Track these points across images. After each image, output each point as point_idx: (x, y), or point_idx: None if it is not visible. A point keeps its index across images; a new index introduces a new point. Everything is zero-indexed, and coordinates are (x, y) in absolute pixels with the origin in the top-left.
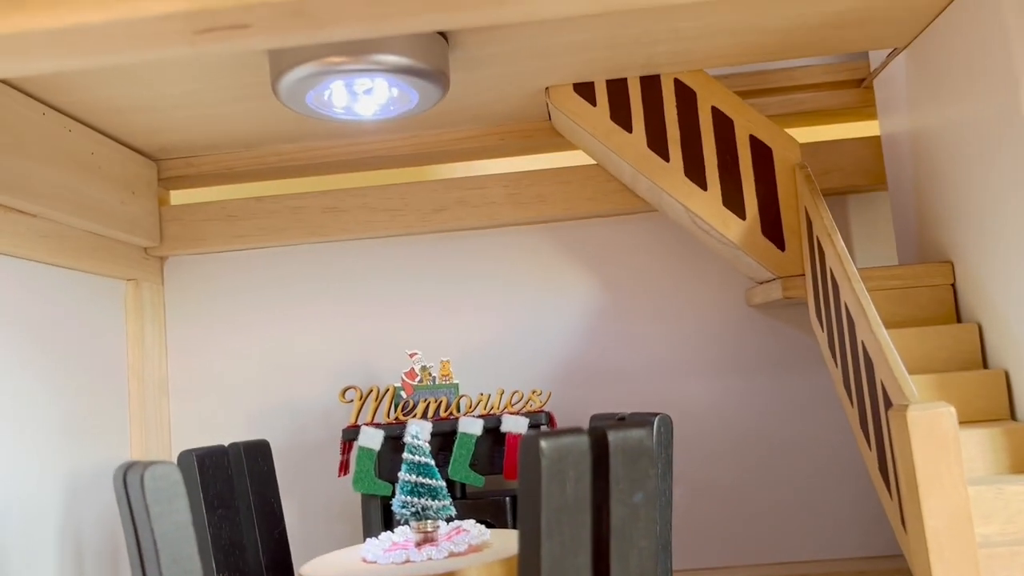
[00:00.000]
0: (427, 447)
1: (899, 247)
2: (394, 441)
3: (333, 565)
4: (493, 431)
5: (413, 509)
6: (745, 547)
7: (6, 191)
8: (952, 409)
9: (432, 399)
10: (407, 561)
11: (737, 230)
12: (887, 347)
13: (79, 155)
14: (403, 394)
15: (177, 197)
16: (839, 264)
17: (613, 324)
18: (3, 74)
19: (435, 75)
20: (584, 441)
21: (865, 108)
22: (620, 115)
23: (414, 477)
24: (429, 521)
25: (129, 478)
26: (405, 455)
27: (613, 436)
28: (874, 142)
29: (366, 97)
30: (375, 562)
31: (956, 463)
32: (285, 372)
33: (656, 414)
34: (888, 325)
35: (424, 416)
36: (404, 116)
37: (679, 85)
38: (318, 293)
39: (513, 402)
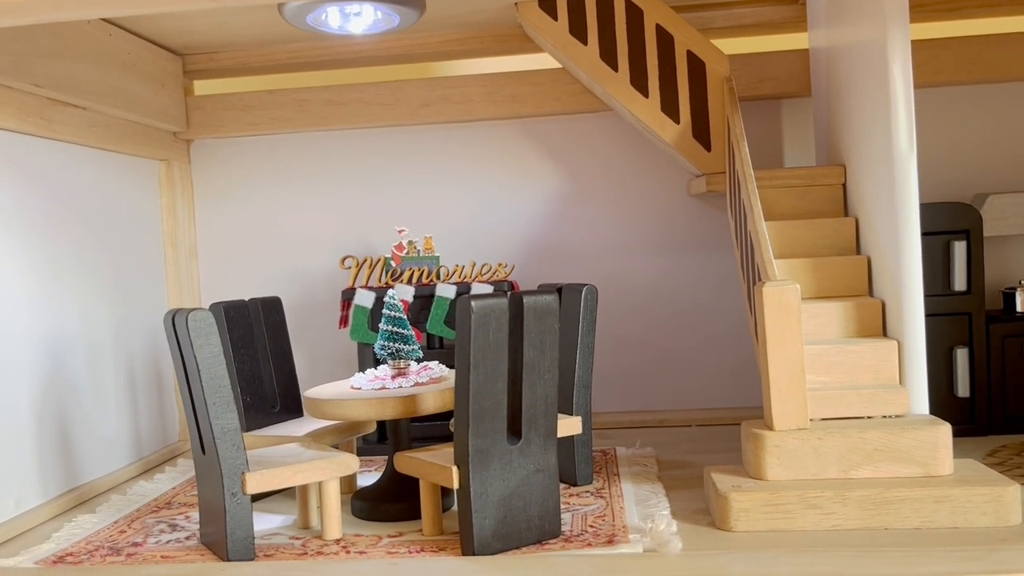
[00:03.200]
0: (400, 305)
1: (817, 149)
2: (383, 302)
3: (329, 390)
4: (464, 295)
5: (389, 351)
6: (663, 395)
7: (61, 89)
8: (796, 286)
9: (416, 268)
10: (383, 388)
11: (672, 132)
12: (763, 237)
13: (119, 55)
14: (393, 263)
15: (201, 87)
16: (742, 166)
17: (574, 209)
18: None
19: (411, 1)
20: (504, 303)
21: (800, 22)
22: (577, 29)
23: (390, 327)
24: (402, 360)
25: (177, 320)
26: (384, 311)
27: (527, 300)
28: (804, 54)
29: (356, 18)
30: (360, 388)
31: (796, 327)
32: (295, 241)
33: (585, 285)
34: (788, 217)
35: (409, 282)
36: (389, 32)
37: (629, 4)
38: (322, 175)
39: (483, 272)
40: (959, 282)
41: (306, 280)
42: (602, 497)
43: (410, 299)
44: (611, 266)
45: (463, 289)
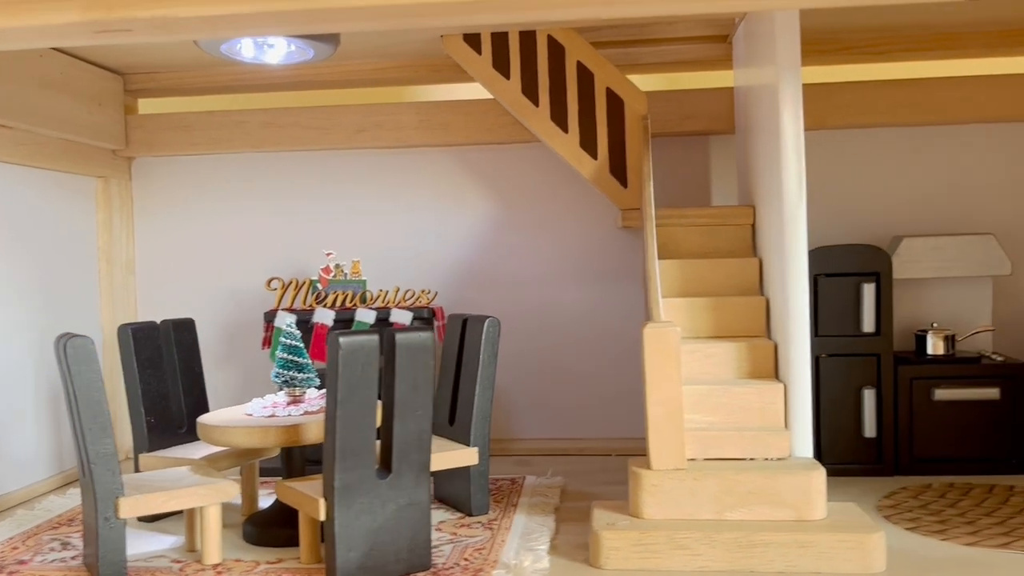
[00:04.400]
0: (297, 333)
1: (739, 188)
2: (304, 324)
3: (221, 416)
4: (384, 321)
5: (284, 379)
6: (589, 423)
7: None
8: (677, 328)
9: (342, 292)
10: (273, 416)
11: (590, 168)
12: (652, 276)
13: (50, 75)
14: (319, 286)
15: (146, 106)
16: (644, 206)
17: (505, 237)
18: None
19: (325, 37)
20: (373, 340)
21: (727, 61)
22: (500, 64)
23: (286, 355)
24: (297, 388)
25: (57, 346)
26: (281, 338)
27: (399, 337)
28: (731, 92)
29: (270, 49)
30: (251, 415)
31: (675, 368)
32: (231, 260)
33: (488, 317)
34: (697, 255)
35: (332, 305)
36: (307, 64)
37: (551, 40)
38: (259, 196)
39: (406, 298)
40: (868, 324)
41: (241, 299)
42: (490, 529)
43: (330, 323)
44: (542, 295)
45: (383, 315)
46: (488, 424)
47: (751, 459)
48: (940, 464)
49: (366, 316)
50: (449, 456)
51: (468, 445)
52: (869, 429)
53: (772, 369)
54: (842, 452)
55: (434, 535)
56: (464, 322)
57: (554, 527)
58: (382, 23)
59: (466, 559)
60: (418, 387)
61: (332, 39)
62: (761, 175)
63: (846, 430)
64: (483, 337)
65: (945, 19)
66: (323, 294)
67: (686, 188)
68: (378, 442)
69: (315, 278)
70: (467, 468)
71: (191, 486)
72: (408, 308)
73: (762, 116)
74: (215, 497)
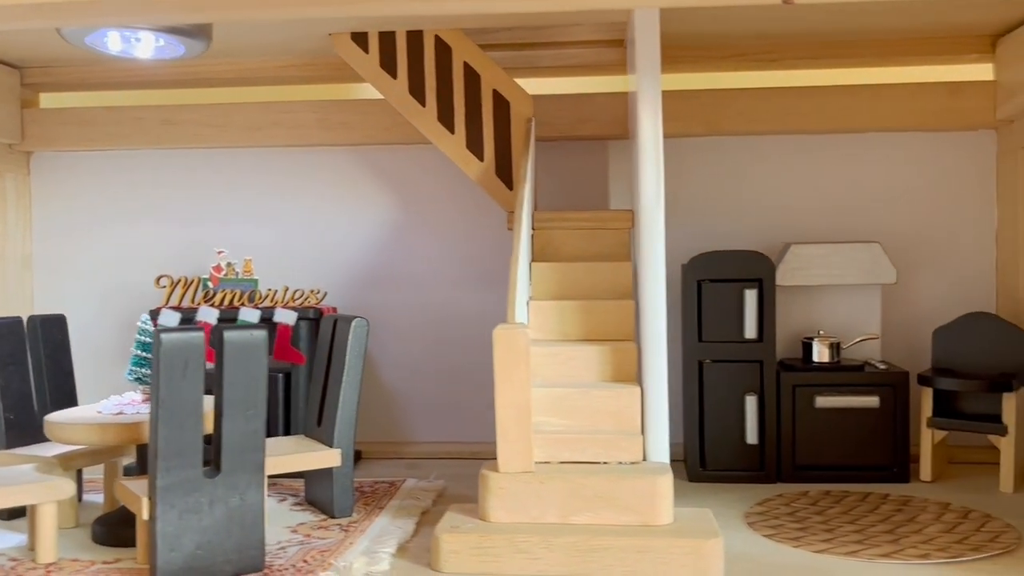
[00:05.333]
0: (151, 330)
1: (632, 192)
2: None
3: (69, 414)
4: (268, 320)
5: (136, 376)
6: (487, 425)
7: None
8: (526, 330)
9: (231, 291)
10: (120, 413)
11: (476, 169)
12: (513, 278)
13: None
14: (210, 284)
15: (51, 100)
16: (518, 207)
17: (404, 238)
18: None
19: (194, 32)
20: (198, 338)
21: (624, 65)
22: (387, 63)
23: (140, 352)
24: (148, 385)
25: None
26: (136, 335)
27: (228, 335)
28: (626, 97)
29: (138, 43)
30: (101, 412)
31: (524, 370)
32: (128, 256)
33: (355, 317)
34: (577, 259)
35: (220, 304)
36: (180, 60)
37: (438, 40)
38: (156, 193)
39: (295, 298)
40: (750, 330)
41: (136, 296)
42: (346, 531)
43: (214, 322)
44: (439, 296)
45: (268, 314)
46: (354, 426)
47: (604, 463)
48: (822, 472)
49: (250, 315)
50: (309, 457)
51: (331, 447)
52: (751, 436)
53: (635, 373)
54: (725, 459)
55: (287, 537)
56: (335, 322)
57: (413, 530)
58: (252, 13)
59: (305, 562)
60: (250, 386)
61: (202, 34)
62: (634, 180)
63: (729, 437)
64: (349, 338)
65: (838, 28)
66: (212, 292)
67: (584, 192)
68: None
69: (206, 276)
70: (330, 470)
71: (24, 483)
72: (294, 308)
73: (634, 123)
74: (47, 495)
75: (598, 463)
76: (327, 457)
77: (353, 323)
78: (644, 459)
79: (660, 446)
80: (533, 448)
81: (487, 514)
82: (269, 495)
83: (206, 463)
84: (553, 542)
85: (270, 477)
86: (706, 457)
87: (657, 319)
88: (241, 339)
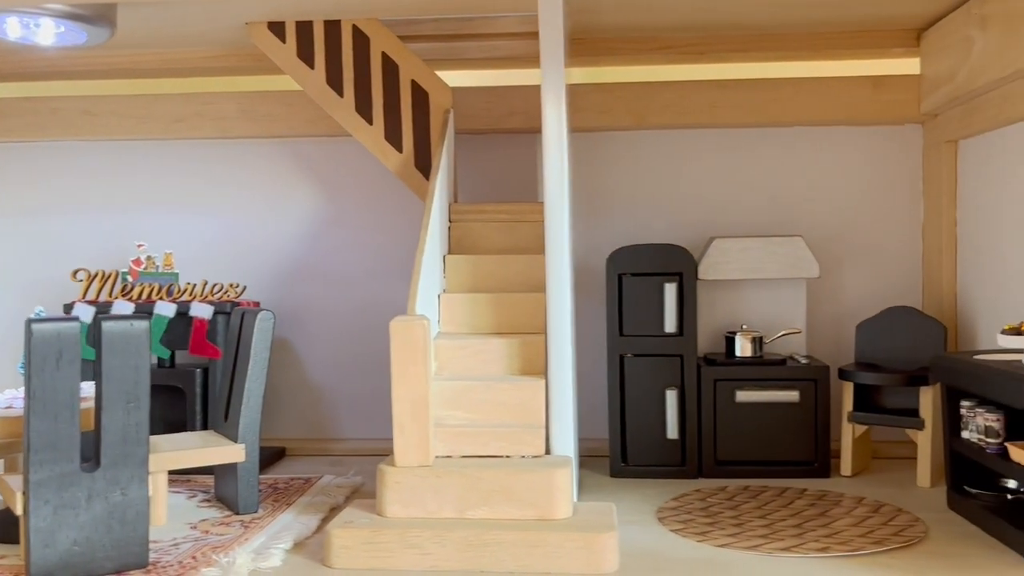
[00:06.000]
0: None
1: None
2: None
3: None
4: (184, 315)
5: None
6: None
7: None
8: (425, 322)
9: (150, 284)
10: (10, 407)
11: (395, 161)
12: (416, 270)
13: None
14: (129, 278)
15: None
16: (428, 199)
17: (332, 231)
18: None
19: (95, 19)
20: (73, 328)
21: None
22: (305, 53)
23: None
24: None
25: None
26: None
27: (107, 326)
28: None
29: (37, 29)
30: None
31: (422, 363)
32: (51, 251)
33: (261, 311)
34: (495, 252)
35: (139, 298)
36: (85, 47)
37: (356, 31)
38: (76, 185)
39: (213, 292)
40: (670, 324)
41: (54, 290)
42: (246, 527)
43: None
44: (368, 291)
45: (184, 308)
46: (258, 421)
47: (507, 457)
48: (743, 467)
49: (165, 309)
50: (210, 452)
51: (236, 442)
52: (672, 431)
53: (543, 366)
54: (646, 454)
55: (186, 533)
56: (242, 316)
57: (316, 526)
58: None
59: (193, 558)
60: (131, 378)
61: (104, 21)
62: (541, 172)
63: (650, 431)
64: (255, 332)
65: (764, 21)
66: (131, 286)
67: (512, 185)
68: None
69: (125, 270)
70: (235, 466)
71: None
72: (212, 302)
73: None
74: None
75: (500, 457)
76: (230, 452)
77: (258, 317)
78: (548, 453)
79: (564, 440)
80: (431, 442)
81: (384, 509)
82: (179, 491)
83: (88, 458)
84: (445, 537)
85: (183, 473)
86: (628, 452)
87: (562, 312)
88: (119, 330)
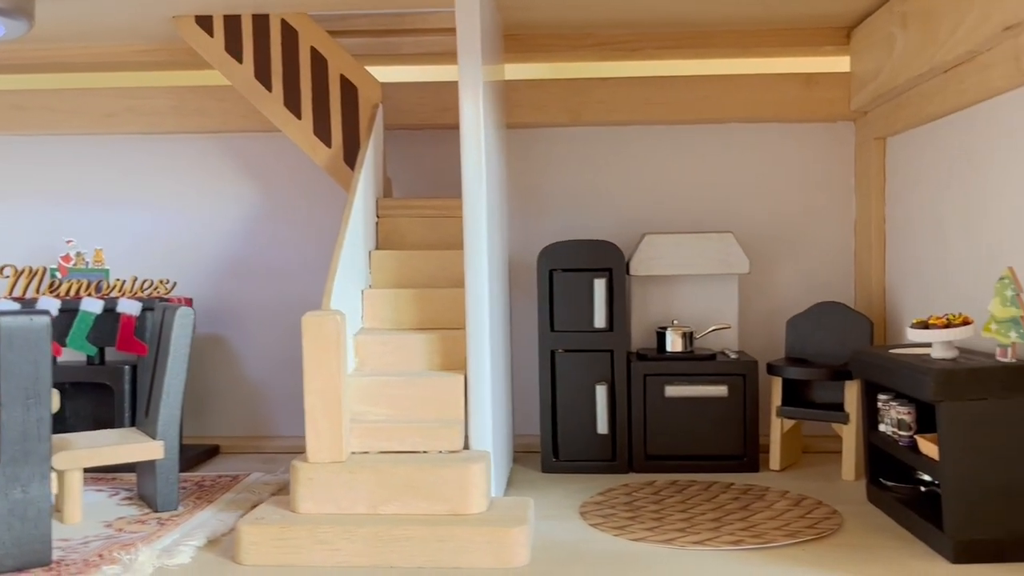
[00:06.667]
0: None
1: None
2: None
3: None
4: (111, 311)
5: None
6: None
7: None
8: (338, 317)
9: (78, 281)
10: None
11: (324, 156)
12: (333, 265)
13: None
14: (58, 274)
15: None
16: (351, 193)
17: (268, 227)
18: None
19: (12, 12)
20: None
21: None
22: (233, 47)
23: None
24: None
25: None
26: None
27: (4, 320)
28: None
29: None
30: None
31: (335, 358)
32: None
33: (180, 306)
34: (420, 247)
35: (66, 295)
36: (6, 40)
37: (285, 24)
38: (5, 180)
39: (143, 288)
40: (599, 319)
41: None
42: (162, 525)
43: (55, 312)
44: (304, 287)
45: (111, 304)
46: (178, 418)
47: (424, 452)
48: (673, 461)
49: (92, 306)
50: (127, 450)
51: (155, 439)
52: (602, 426)
53: (464, 361)
54: (577, 449)
55: (99, 531)
56: (163, 312)
57: (234, 523)
58: None
59: (100, 556)
60: (31, 374)
61: (21, 13)
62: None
63: (581, 427)
64: (174, 327)
65: (698, 18)
66: (59, 282)
67: (447, 181)
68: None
69: (54, 266)
70: (153, 463)
71: None
72: (140, 298)
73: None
74: None
75: (417, 452)
76: (147, 449)
77: (178, 313)
78: (467, 448)
79: (483, 435)
80: (344, 438)
81: (296, 505)
82: (102, 489)
83: None
84: (355, 533)
85: (107, 471)
86: (559, 447)
87: (480, 307)
88: (17, 325)
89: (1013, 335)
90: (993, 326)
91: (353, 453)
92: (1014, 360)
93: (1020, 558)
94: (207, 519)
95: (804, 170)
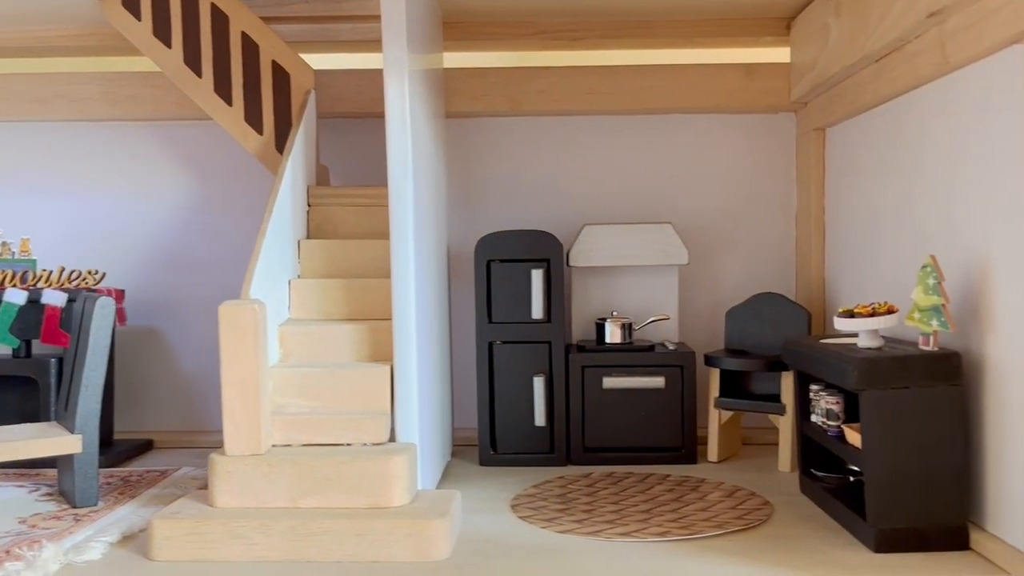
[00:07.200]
0: None
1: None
2: None
3: None
4: (36, 302)
5: None
6: None
7: None
8: (256, 306)
9: (3, 272)
10: None
11: (255, 143)
12: (255, 254)
13: None
14: None
15: None
16: (277, 181)
17: (206, 218)
18: None
19: None
20: None
21: None
22: (162, 31)
23: None
24: None
25: None
26: None
27: None
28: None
29: None
30: None
31: (252, 348)
32: None
33: (100, 296)
34: (355, 236)
35: None
36: None
37: (215, 9)
38: None
39: (71, 279)
40: (537, 310)
41: None
42: (78, 521)
43: None
44: (242, 277)
45: (35, 295)
46: (98, 411)
47: (348, 444)
48: (611, 453)
49: (15, 297)
50: (40, 444)
51: (75, 433)
52: (539, 418)
53: (391, 352)
54: (515, 441)
55: (11, 527)
56: (84, 303)
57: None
58: None
59: (6, 552)
60: None
61: None
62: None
63: (519, 419)
64: (94, 318)
65: (639, 7)
66: None
67: (385, 170)
68: None
69: None
70: (71, 457)
71: None
72: (67, 289)
73: None
74: None
75: (340, 445)
76: (64, 444)
77: (97, 303)
78: (393, 440)
79: (409, 427)
80: (263, 430)
81: (214, 499)
82: (23, 485)
83: None
84: (271, 526)
85: (30, 466)
86: (497, 440)
87: (406, 297)
88: None
89: (935, 323)
90: (916, 314)
91: (275, 446)
92: (936, 348)
93: (940, 547)
94: (126, 515)
95: (746, 161)
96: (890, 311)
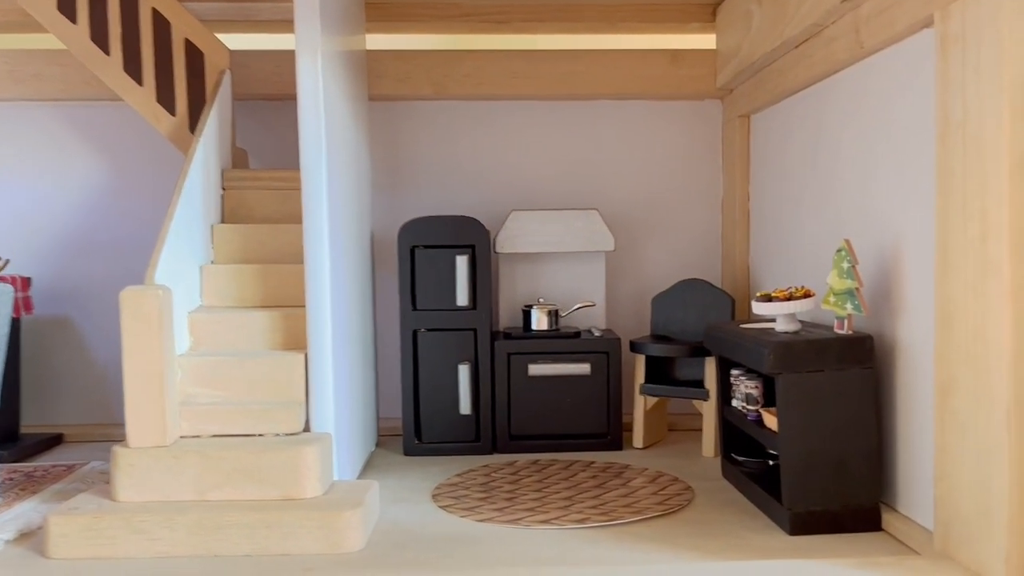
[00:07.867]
0: None
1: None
2: None
3: None
4: None
5: None
6: None
7: None
8: (159, 291)
9: None
10: None
11: (168, 125)
12: (161, 238)
13: None
14: None
15: None
16: (186, 163)
17: (119, 203)
18: None
19: None
20: None
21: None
22: (66, 6)
23: None
24: None
25: None
26: None
27: None
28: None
29: None
30: None
31: (156, 337)
32: None
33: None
34: (270, 220)
35: None
36: None
37: None
38: None
39: None
40: (462, 297)
41: None
42: None
43: None
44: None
45: None
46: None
47: (260, 435)
48: (537, 441)
49: None
50: None
51: None
52: (465, 406)
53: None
54: (440, 430)
55: None
56: None
57: None
58: None
59: None
60: None
61: None
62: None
63: (444, 408)
64: None
65: None
66: None
67: None
68: None
69: None
70: None
71: None
72: None
73: None
74: None
75: (251, 436)
76: None
77: None
78: (308, 430)
79: (325, 416)
80: (168, 421)
81: (116, 494)
82: None
83: None
84: (176, 520)
85: None
86: (422, 429)
87: (320, 283)
88: None
89: (849, 307)
90: (831, 298)
91: (183, 437)
92: (850, 332)
93: (854, 528)
94: (25, 511)
95: (672, 148)
96: (807, 295)
